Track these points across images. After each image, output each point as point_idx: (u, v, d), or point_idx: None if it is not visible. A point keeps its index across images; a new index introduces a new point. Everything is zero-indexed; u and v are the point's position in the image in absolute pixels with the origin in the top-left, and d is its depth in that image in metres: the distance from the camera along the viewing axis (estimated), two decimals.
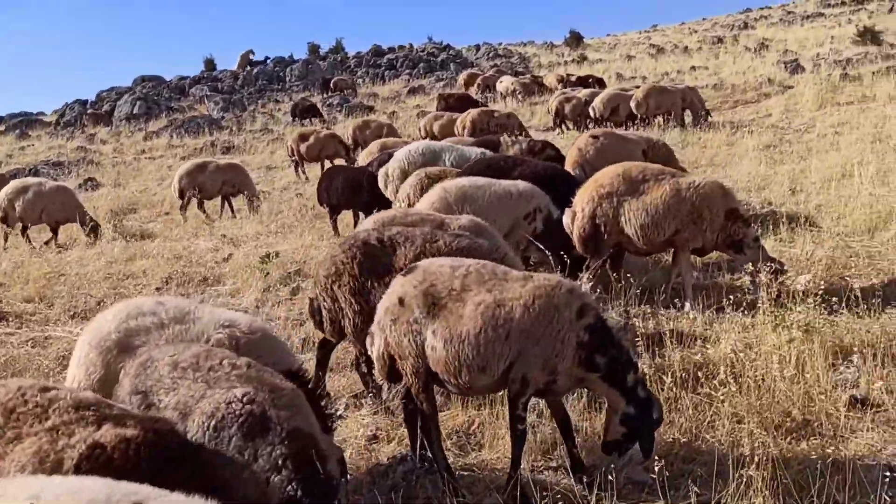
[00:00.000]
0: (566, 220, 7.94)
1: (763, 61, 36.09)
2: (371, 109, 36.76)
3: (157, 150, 31.22)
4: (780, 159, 15.07)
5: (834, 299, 6.53)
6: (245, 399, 3.67)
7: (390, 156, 11.41)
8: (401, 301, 4.82)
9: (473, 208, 8.03)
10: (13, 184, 14.86)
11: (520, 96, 31.34)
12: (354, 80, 45.07)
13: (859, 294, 6.84)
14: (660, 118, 21.37)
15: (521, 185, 8.30)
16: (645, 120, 20.85)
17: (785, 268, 7.58)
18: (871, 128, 16.54)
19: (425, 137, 21.76)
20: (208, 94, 44.05)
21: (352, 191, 12.05)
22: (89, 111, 43.55)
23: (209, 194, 16.42)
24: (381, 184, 10.76)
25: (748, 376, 5.66)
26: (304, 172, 20.65)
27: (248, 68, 52.08)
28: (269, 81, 47.25)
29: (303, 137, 20.22)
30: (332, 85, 42.70)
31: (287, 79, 47.16)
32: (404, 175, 10.30)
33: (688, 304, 7.48)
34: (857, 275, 8.03)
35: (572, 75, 33.65)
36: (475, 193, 8.15)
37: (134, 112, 41.23)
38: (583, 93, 24.22)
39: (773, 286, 6.40)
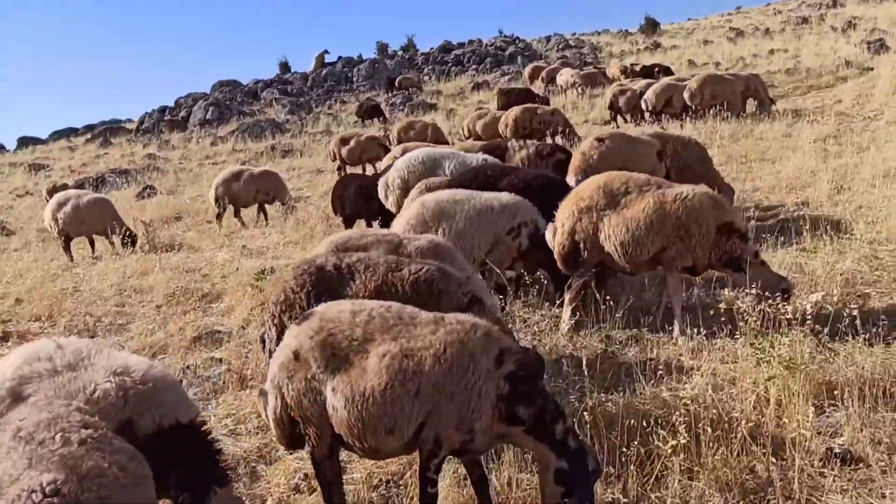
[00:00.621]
0: (548, 235, 7.31)
1: (847, 41, 33.90)
2: (433, 108, 36.46)
3: (221, 155, 31.73)
4: (837, 152, 13.83)
5: (839, 325, 5.70)
6: (48, 489, 3.27)
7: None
8: (296, 355, 4.31)
9: (450, 225, 7.52)
10: (56, 197, 15.12)
11: (579, 89, 30.34)
12: (420, 78, 44.81)
13: (871, 317, 5.98)
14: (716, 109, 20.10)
15: (505, 198, 7.70)
16: (698, 111, 19.67)
17: (792, 287, 6.74)
18: None
19: (468, 137, 21.28)
20: (277, 97, 44.64)
21: (364, 199, 11.67)
22: (166, 118, 44.82)
23: (244, 203, 16.38)
24: (381, 194, 10.33)
25: (714, 421, 4.96)
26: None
27: (321, 70, 52.61)
28: (337, 82, 47.52)
29: (344, 141, 20.00)
30: (396, 83, 42.56)
31: (354, 79, 47.32)
32: (404, 185, 9.85)
33: (676, 329, 6.74)
34: (879, 292, 7.10)
35: (636, 64, 32.37)
36: (452, 209, 7.61)
37: (207, 117, 42.20)
38: (639, 84, 23.12)
39: (753, 312, 5.60)
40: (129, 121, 49.68)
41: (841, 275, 7.43)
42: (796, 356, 5.30)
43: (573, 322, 7.07)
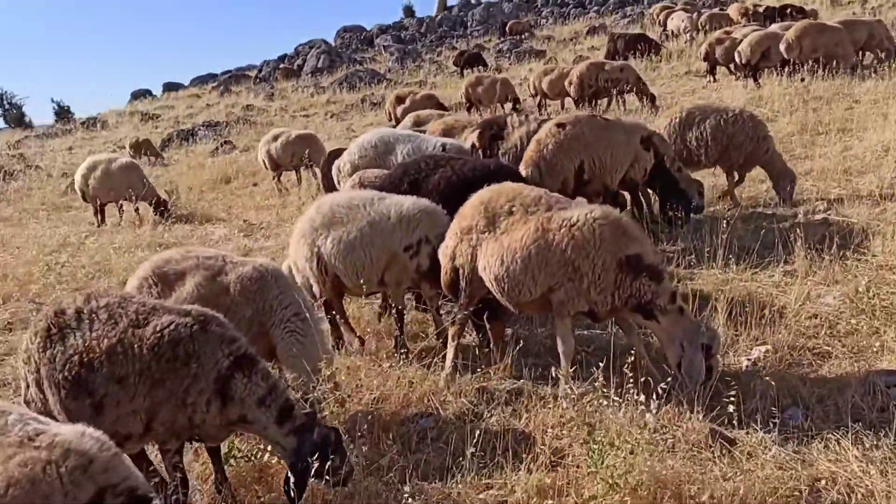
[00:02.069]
0: (440, 255, 6.09)
1: None
2: (541, 55, 34.49)
3: (316, 107, 31.45)
4: None
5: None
6: None
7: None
8: None
9: (339, 235, 6.46)
10: (86, 161, 15.13)
11: (689, 35, 27.55)
12: (535, 22, 42.59)
13: (806, 395, 4.47)
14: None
15: (409, 205, 6.49)
16: (796, 66, 17.06)
17: (716, 343, 5.18)
18: None
19: (534, 95, 19.75)
20: (389, 43, 43.87)
21: None
22: (280, 66, 45.20)
23: (283, 165, 15.79)
24: (335, 180, 9.32)
25: None
26: None
27: (444, 12, 51.31)
28: (452, 28, 46.08)
29: (399, 99, 18.98)
30: (507, 29, 40.69)
31: (468, 24, 45.68)
32: (355, 171, 8.80)
33: (562, 387, 5.39)
34: (844, 351, 5.41)
35: (759, 5, 28.89)
36: (344, 217, 6.53)
37: (318, 65, 42.14)
38: (741, 32, 20.48)
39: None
40: (251, 68, 50.46)
41: (811, 317, 5.78)
42: (639, 465, 3.95)
43: (453, 367, 5.89)
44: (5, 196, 20.18)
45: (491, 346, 6.06)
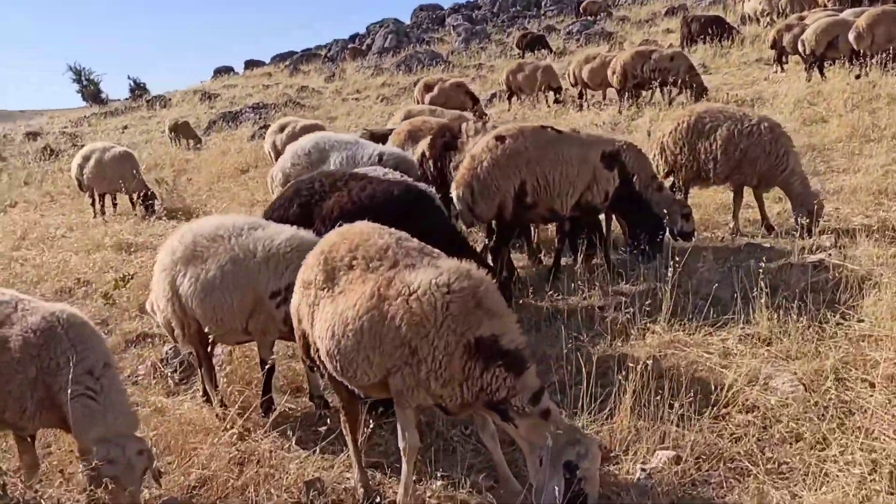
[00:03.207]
0: (291, 312, 4.98)
1: None
2: (610, 37, 32.55)
3: (370, 90, 30.58)
4: None
5: None
6: None
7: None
8: None
9: (197, 273, 5.46)
10: (82, 151, 14.70)
11: (767, 18, 25.22)
12: (612, 2, 40.39)
13: None
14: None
15: (281, 241, 5.38)
16: (866, 57, 15.01)
17: (584, 464, 3.86)
18: None
19: (574, 85, 18.30)
20: (458, 23, 42.60)
21: None
22: (349, 46, 44.60)
23: None
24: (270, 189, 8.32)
25: None
26: None
27: None
28: (526, 7, 44.31)
29: (427, 87, 17.81)
30: (581, 9, 38.76)
31: (543, 3, 43.80)
32: (286, 182, 7.78)
33: (400, 496, 4.22)
34: (755, 471, 4.05)
35: None
36: (207, 250, 5.52)
37: (385, 45, 41.33)
38: (813, 17, 18.37)
39: None
40: (320, 47, 50.08)
41: (747, 410, 4.43)
42: None
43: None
44: (38, 178, 20.15)
45: None
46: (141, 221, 13.01)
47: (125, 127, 30.24)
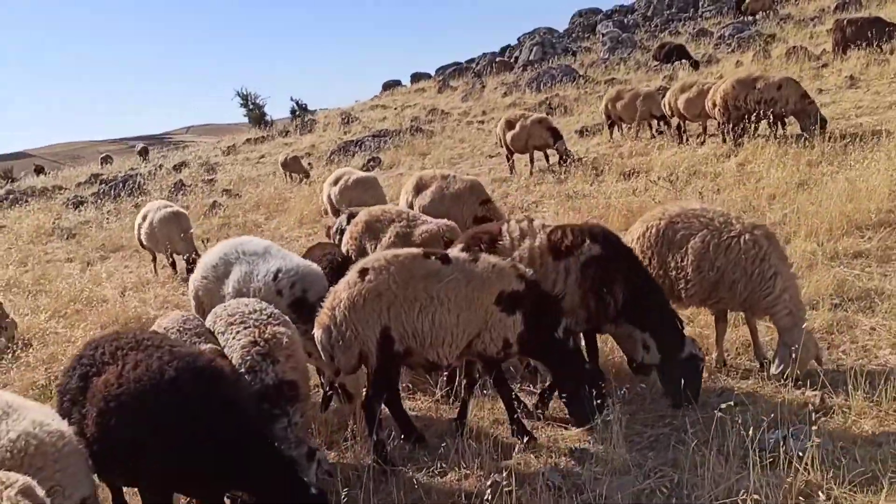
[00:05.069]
0: None
1: None
2: (770, 40, 29.25)
3: (500, 110, 29.29)
4: None
5: None
6: None
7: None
8: None
9: None
10: (143, 209, 14.72)
11: None
12: None
13: None
14: None
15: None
16: None
17: None
18: None
19: (671, 115, 16.18)
20: (609, 30, 40.25)
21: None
22: (497, 59, 43.53)
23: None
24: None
25: None
26: (513, 168, 16.82)
27: None
28: (682, 9, 41.11)
29: (509, 125, 16.34)
30: (742, 8, 35.26)
31: (700, 3, 40.39)
32: (200, 302, 6.87)
33: None
34: None
35: None
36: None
37: (530, 58, 39.94)
38: None
39: None
40: (472, 61, 49.27)
41: None
42: None
43: None
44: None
45: None
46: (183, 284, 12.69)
47: (261, 157, 30.89)
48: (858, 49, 20.56)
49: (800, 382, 5.54)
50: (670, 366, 5.59)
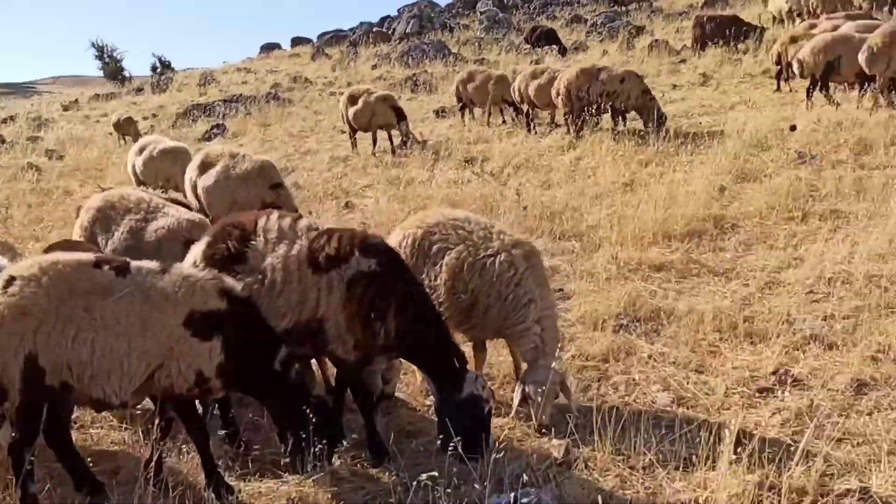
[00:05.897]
0: None
1: None
2: (639, 32, 29.13)
3: (363, 83, 27.95)
4: None
5: None
6: None
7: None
8: None
9: None
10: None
11: (787, 21, 21.69)
12: None
13: None
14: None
15: None
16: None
17: None
18: None
19: (521, 102, 15.48)
20: (486, 9, 39.63)
21: None
22: (374, 29, 42.15)
23: (149, 184, 12.58)
24: None
25: None
26: (354, 145, 15.71)
27: None
28: None
29: (352, 100, 15.24)
30: None
31: None
32: None
33: None
34: None
35: None
36: None
37: (407, 31, 38.86)
38: (821, 28, 15.03)
39: None
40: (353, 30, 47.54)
41: None
42: None
43: None
44: None
45: None
46: None
47: (104, 115, 28.51)
48: (716, 47, 20.57)
49: (544, 430, 4.75)
50: (447, 407, 4.62)
